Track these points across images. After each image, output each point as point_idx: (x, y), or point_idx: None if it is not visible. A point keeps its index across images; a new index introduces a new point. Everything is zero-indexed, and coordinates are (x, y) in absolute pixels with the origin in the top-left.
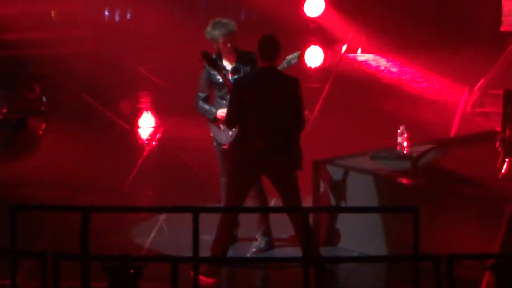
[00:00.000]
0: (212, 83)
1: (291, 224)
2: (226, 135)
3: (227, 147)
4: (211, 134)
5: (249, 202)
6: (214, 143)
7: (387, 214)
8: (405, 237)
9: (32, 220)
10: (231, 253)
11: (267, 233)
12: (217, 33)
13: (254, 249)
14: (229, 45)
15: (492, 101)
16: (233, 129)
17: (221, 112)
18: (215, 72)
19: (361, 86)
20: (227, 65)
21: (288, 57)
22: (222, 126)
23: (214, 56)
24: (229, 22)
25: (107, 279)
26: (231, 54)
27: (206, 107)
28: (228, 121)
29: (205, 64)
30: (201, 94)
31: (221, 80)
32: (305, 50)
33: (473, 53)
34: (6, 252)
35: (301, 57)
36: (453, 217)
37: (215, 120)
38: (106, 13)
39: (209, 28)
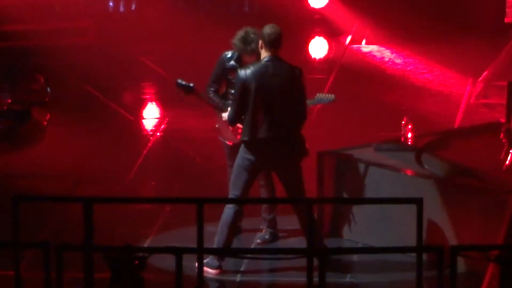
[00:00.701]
0: (226, 79)
1: (295, 215)
2: (232, 135)
3: (231, 144)
4: (217, 126)
5: (257, 192)
6: (220, 137)
7: (391, 205)
8: (408, 229)
9: (35, 211)
10: (235, 244)
11: (272, 224)
12: (249, 49)
13: (258, 240)
14: (255, 58)
15: (496, 92)
16: (239, 131)
17: (225, 115)
18: (230, 66)
19: (365, 77)
20: None
21: (320, 96)
22: (230, 127)
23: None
24: (257, 37)
25: (111, 270)
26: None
27: (217, 99)
28: (234, 115)
29: (221, 56)
30: (213, 86)
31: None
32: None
33: (477, 44)
34: (9, 243)
35: (333, 102)
36: (457, 208)
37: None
38: (111, 3)
39: (238, 42)
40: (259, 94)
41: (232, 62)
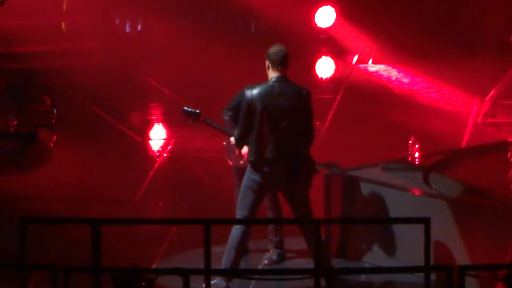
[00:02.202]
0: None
1: (302, 236)
2: (237, 158)
3: (232, 164)
4: (224, 143)
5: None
6: (225, 157)
7: (399, 225)
8: (416, 248)
9: (43, 232)
10: (242, 264)
11: (279, 245)
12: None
13: (266, 261)
14: None
15: (503, 112)
16: (244, 158)
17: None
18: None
19: (372, 97)
20: None
21: (333, 165)
22: (236, 150)
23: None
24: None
25: None
26: None
27: (227, 125)
28: (239, 136)
29: (245, 88)
30: (230, 111)
31: None
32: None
33: (484, 63)
34: (17, 265)
35: (339, 171)
36: (464, 228)
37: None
38: (117, 24)
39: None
40: (265, 115)
41: None
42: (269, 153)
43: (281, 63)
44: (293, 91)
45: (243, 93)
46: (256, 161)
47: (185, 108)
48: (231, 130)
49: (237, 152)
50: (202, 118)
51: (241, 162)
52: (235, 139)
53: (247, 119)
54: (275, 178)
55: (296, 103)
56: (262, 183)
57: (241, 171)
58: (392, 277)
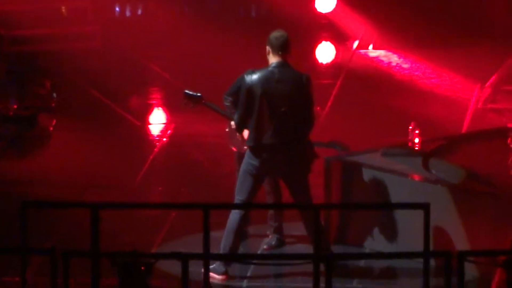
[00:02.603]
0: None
1: (302, 221)
2: (240, 143)
3: (235, 150)
4: (227, 129)
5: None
6: (228, 143)
7: (399, 211)
8: (416, 234)
9: (43, 217)
10: (241, 249)
11: (278, 230)
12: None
13: (265, 246)
14: None
15: (504, 97)
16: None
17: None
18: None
19: (372, 82)
20: None
21: (336, 143)
22: (239, 136)
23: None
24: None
25: (117, 276)
26: None
27: (228, 109)
28: (239, 120)
29: (245, 73)
30: (231, 96)
31: None
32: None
33: (484, 49)
34: (17, 249)
35: (344, 150)
36: (464, 213)
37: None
38: (117, 9)
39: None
40: (264, 100)
41: None
42: (268, 138)
43: (281, 48)
44: (293, 77)
45: (243, 78)
46: (255, 146)
47: (186, 91)
48: (231, 114)
49: (239, 137)
50: (203, 101)
51: (245, 147)
52: (235, 123)
53: (247, 104)
54: (273, 163)
55: (295, 89)
56: (260, 168)
57: (241, 157)
58: (391, 262)
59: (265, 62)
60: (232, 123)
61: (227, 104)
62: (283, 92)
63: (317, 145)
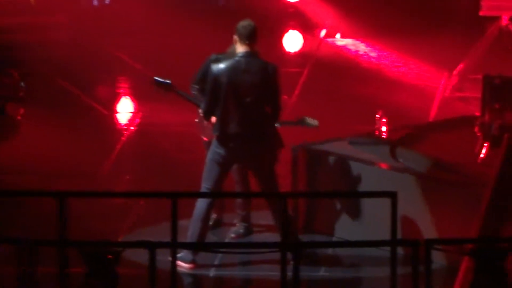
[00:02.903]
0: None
1: (269, 210)
2: (210, 131)
3: (206, 140)
4: (196, 120)
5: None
6: (198, 133)
7: (366, 199)
8: (383, 223)
9: (8, 206)
10: (210, 238)
11: (246, 218)
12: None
13: (232, 235)
14: None
15: (471, 86)
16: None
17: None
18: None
19: (340, 71)
20: None
21: (307, 119)
22: (205, 122)
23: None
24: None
25: (85, 265)
26: None
27: (197, 97)
28: (206, 109)
29: (209, 58)
30: (197, 85)
31: None
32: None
33: (452, 38)
34: None
35: (316, 128)
36: (431, 202)
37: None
38: None
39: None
40: (230, 90)
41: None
42: (234, 128)
43: (249, 37)
44: (260, 67)
45: (208, 65)
46: (221, 136)
47: (156, 78)
48: (200, 102)
49: (209, 125)
50: (173, 88)
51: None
52: (202, 111)
53: (213, 93)
54: (239, 152)
55: (261, 79)
56: (226, 157)
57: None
58: (358, 251)
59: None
60: (200, 110)
61: (195, 92)
62: (249, 82)
63: (287, 124)
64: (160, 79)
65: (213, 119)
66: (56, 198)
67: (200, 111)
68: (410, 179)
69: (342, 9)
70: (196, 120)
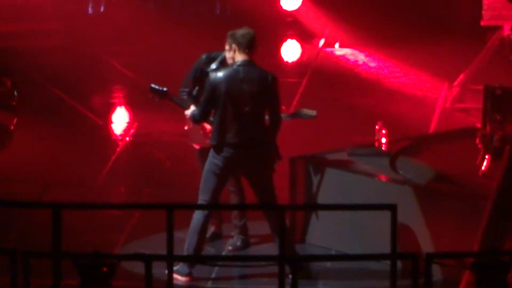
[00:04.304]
0: (202, 81)
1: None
2: (202, 138)
3: (198, 148)
4: (186, 128)
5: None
6: (188, 141)
7: (365, 211)
8: (383, 236)
9: (2, 216)
10: (208, 250)
11: (243, 231)
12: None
13: (230, 247)
14: None
15: (472, 97)
16: (204, 132)
17: (189, 112)
18: (211, 70)
19: (338, 81)
20: None
21: (304, 110)
22: (196, 127)
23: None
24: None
25: (79, 277)
26: None
27: (187, 101)
28: (200, 115)
29: (200, 58)
30: (187, 86)
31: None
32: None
33: (453, 48)
34: None
35: (314, 118)
36: (432, 215)
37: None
38: (79, 5)
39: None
40: (228, 99)
41: (214, 66)
42: (231, 138)
43: (248, 46)
44: (258, 76)
45: (201, 69)
46: (218, 145)
47: (152, 85)
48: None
49: (201, 132)
50: (168, 96)
51: (207, 141)
52: (195, 117)
53: (210, 102)
54: (237, 163)
55: (260, 88)
56: (224, 168)
57: (203, 155)
58: (358, 264)
59: None
60: (187, 112)
61: (184, 97)
62: (248, 91)
63: (284, 118)
64: (156, 87)
65: (206, 125)
66: (51, 209)
67: (186, 112)
68: (410, 191)
69: (341, 18)
70: (186, 127)
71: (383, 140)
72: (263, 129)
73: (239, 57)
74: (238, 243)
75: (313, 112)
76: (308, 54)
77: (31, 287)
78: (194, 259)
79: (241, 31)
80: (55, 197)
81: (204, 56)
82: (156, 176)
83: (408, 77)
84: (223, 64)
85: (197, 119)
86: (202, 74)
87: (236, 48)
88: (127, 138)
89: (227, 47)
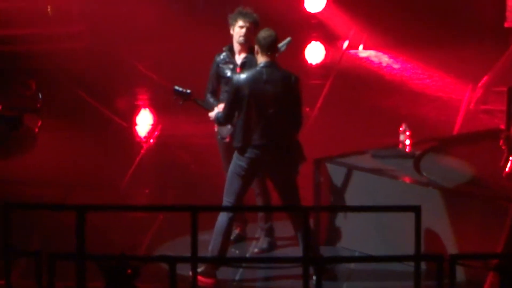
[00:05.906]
0: (219, 77)
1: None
2: (226, 128)
3: (228, 140)
4: (215, 129)
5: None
6: (218, 137)
7: (389, 213)
8: (407, 237)
9: (27, 218)
10: (233, 252)
11: (269, 233)
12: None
13: (256, 249)
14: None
15: (496, 98)
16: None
17: (213, 114)
18: (224, 66)
19: (362, 83)
20: (238, 59)
21: (279, 45)
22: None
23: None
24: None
25: (104, 279)
26: (243, 49)
27: (211, 100)
28: (225, 118)
29: (214, 58)
30: (209, 87)
31: (228, 74)
32: (306, 46)
33: (476, 50)
34: (0, 251)
35: (290, 43)
36: (456, 216)
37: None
38: (103, 7)
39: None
40: (252, 101)
41: (222, 56)
42: (256, 139)
43: (270, 48)
44: (281, 78)
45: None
46: (243, 147)
47: (176, 87)
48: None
49: (230, 126)
50: (192, 98)
51: (229, 126)
52: (219, 119)
53: (234, 104)
54: (261, 164)
55: (284, 89)
56: (248, 170)
57: (230, 151)
58: (382, 265)
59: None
60: (211, 114)
61: (207, 97)
62: (272, 92)
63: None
64: (180, 89)
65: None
66: (75, 212)
67: (210, 114)
68: (434, 193)
69: (365, 20)
70: (216, 129)
71: (407, 141)
72: (287, 130)
73: (262, 59)
74: (264, 246)
75: (287, 39)
76: (332, 56)
77: None
78: (218, 261)
79: (262, 33)
80: (80, 199)
81: (216, 56)
82: (180, 178)
83: (432, 79)
84: (231, 51)
85: (221, 121)
86: (218, 73)
87: (259, 50)
88: (151, 140)
89: (231, 31)
